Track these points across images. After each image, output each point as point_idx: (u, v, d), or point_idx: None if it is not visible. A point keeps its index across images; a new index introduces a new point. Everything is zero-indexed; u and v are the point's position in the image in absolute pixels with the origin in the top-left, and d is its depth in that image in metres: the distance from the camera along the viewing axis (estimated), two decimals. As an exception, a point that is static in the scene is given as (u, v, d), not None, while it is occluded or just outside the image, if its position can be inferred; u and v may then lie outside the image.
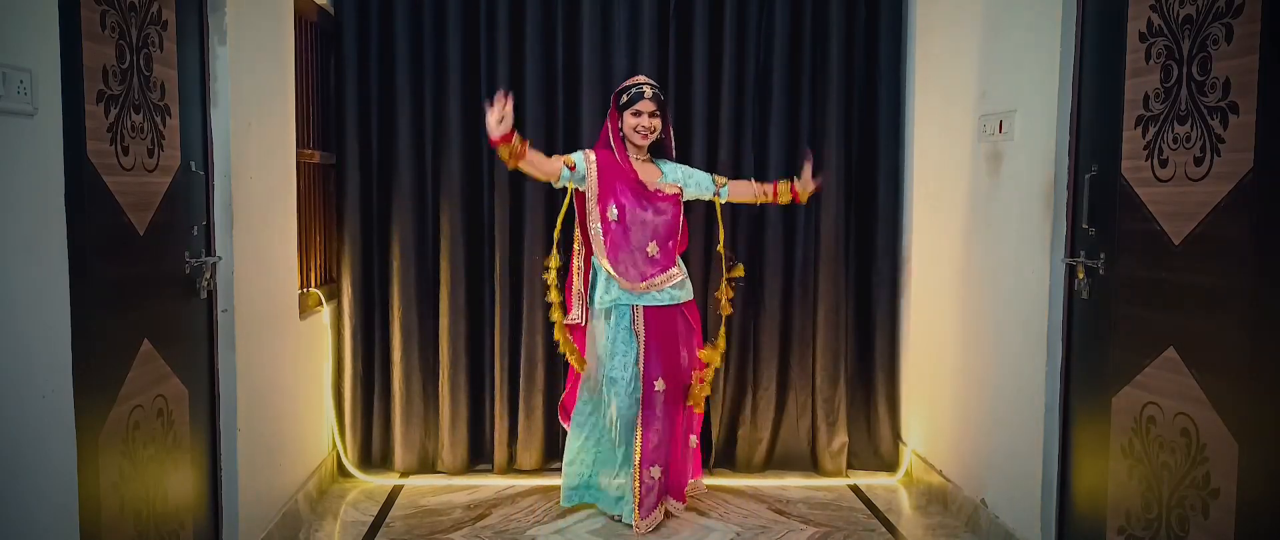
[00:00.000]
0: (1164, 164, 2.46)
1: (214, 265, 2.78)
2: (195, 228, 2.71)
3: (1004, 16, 3.32)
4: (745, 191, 3.64)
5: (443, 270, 4.09)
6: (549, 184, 3.58)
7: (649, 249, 3.45)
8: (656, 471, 3.50)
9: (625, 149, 3.49)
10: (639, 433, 3.47)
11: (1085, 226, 2.78)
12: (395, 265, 4.09)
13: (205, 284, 2.75)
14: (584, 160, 3.45)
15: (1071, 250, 2.88)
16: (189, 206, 2.68)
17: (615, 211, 3.42)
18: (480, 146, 4.10)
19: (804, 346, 4.24)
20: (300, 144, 3.66)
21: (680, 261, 3.56)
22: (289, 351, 3.52)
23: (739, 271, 3.66)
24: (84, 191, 2.13)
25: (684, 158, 4.15)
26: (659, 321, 3.47)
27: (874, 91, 4.20)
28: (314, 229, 3.96)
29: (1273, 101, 2.12)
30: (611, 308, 3.48)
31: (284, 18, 3.43)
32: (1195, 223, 2.35)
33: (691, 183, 3.57)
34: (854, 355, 4.30)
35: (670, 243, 3.49)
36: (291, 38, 3.52)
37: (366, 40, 4.04)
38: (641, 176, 3.47)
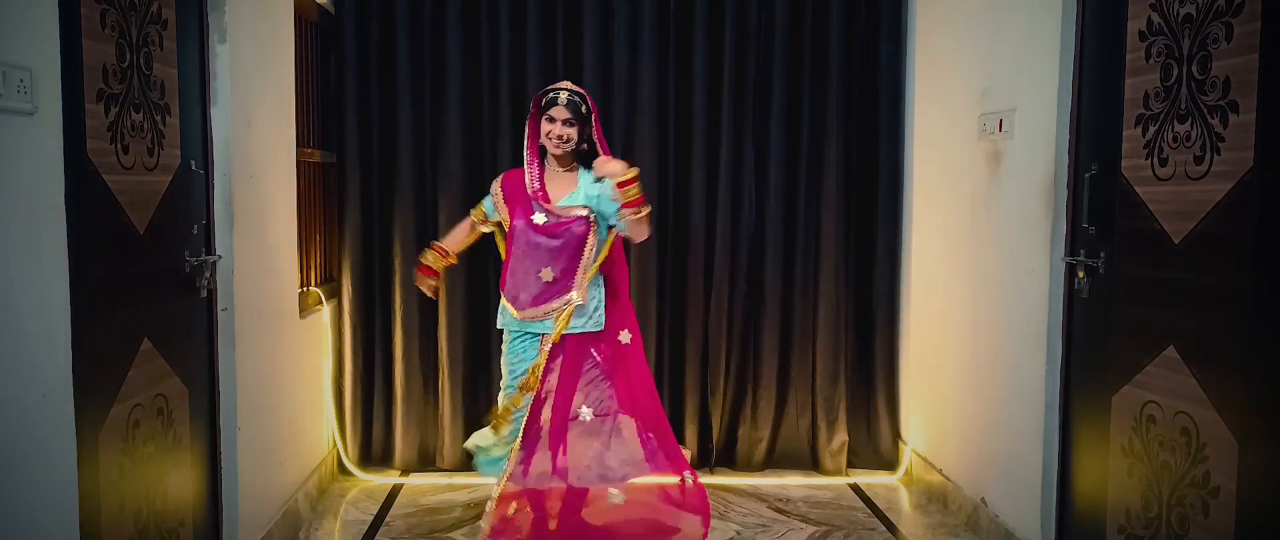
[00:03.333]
0: (1164, 163, 2.46)
1: (214, 264, 2.78)
2: (195, 226, 2.71)
3: (1004, 15, 3.32)
4: (632, 223, 3.10)
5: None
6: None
7: (541, 273, 3.10)
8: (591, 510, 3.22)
9: (542, 160, 3.19)
10: (520, 450, 3.10)
11: (1085, 225, 2.78)
12: (396, 263, 4.09)
13: (205, 283, 2.75)
14: (491, 199, 3.25)
15: (1071, 249, 2.88)
16: (189, 205, 2.68)
17: (511, 230, 3.16)
18: (480, 145, 4.10)
19: (804, 345, 4.24)
20: (300, 143, 3.66)
21: (592, 287, 3.15)
22: (289, 350, 3.52)
23: None
24: (84, 190, 2.13)
25: (685, 157, 4.16)
26: (573, 352, 3.13)
27: (874, 91, 4.20)
28: (314, 228, 3.96)
29: (1273, 100, 2.12)
30: (511, 331, 3.21)
31: (284, 16, 3.43)
32: (1195, 222, 2.35)
33: (606, 204, 3.13)
34: (854, 354, 4.30)
35: (571, 267, 3.10)
36: (292, 36, 3.52)
37: (367, 39, 4.04)
38: (550, 191, 3.15)
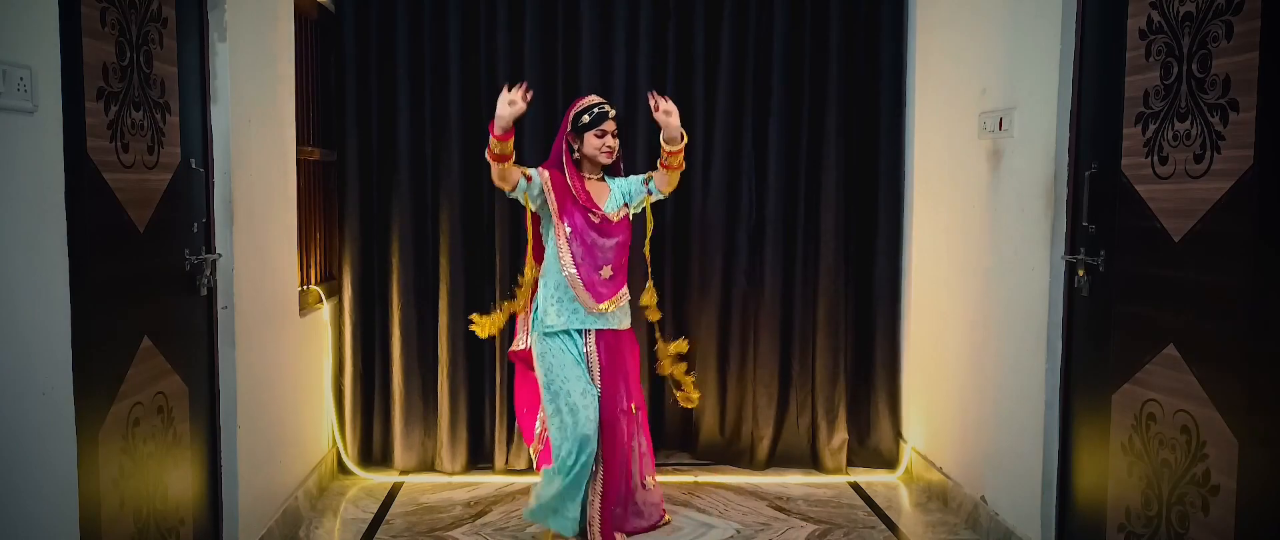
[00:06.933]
0: (1164, 161, 2.46)
1: (214, 262, 2.78)
2: (195, 225, 2.71)
3: (1004, 14, 3.32)
4: (661, 175, 3.35)
5: (442, 268, 4.09)
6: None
7: (603, 273, 3.31)
8: (651, 480, 3.54)
9: (579, 170, 3.35)
10: (601, 460, 3.32)
11: (1085, 224, 2.78)
12: (395, 262, 4.09)
13: (205, 281, 2.75)
14: (538, 175, 3.30)
15: (1072, 247, 2.88)
16: (189, 203, 2.68)
17: (569, 229, 3.29)
18: (480, 144, 4.09)
19: (804, 344, 4.24)
20: (300, 141, 3.66)
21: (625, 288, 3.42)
22: (289, 348, 3.52)
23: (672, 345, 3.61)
24: (84, 189, 2.13)
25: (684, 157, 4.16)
26: (613, 345, 3.36)
27: (874, 90, 4.20)
28: (314, 226, 3.96)
29: (1273, 99, 2.12)
30: (563, 331, 3.33)
31: (284, 15, 3.43)
32: (1195, 220, 2.35)
33: (632, 196, 3.39)
34: (854, 353, 4.30)
35: (621, 264, 3.37)
36: (292, 35, 3.52)
37: (366, 37, 4.04)
38: (594, 197, 3.34)
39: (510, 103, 3.11)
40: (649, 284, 3.51)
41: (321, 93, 4.03)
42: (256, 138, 3.10)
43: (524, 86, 3.15)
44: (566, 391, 3.27)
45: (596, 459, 3.30)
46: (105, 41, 2.22)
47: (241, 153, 2.95)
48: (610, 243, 3.33)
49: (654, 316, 3.57)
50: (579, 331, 3.33)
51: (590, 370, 3.33)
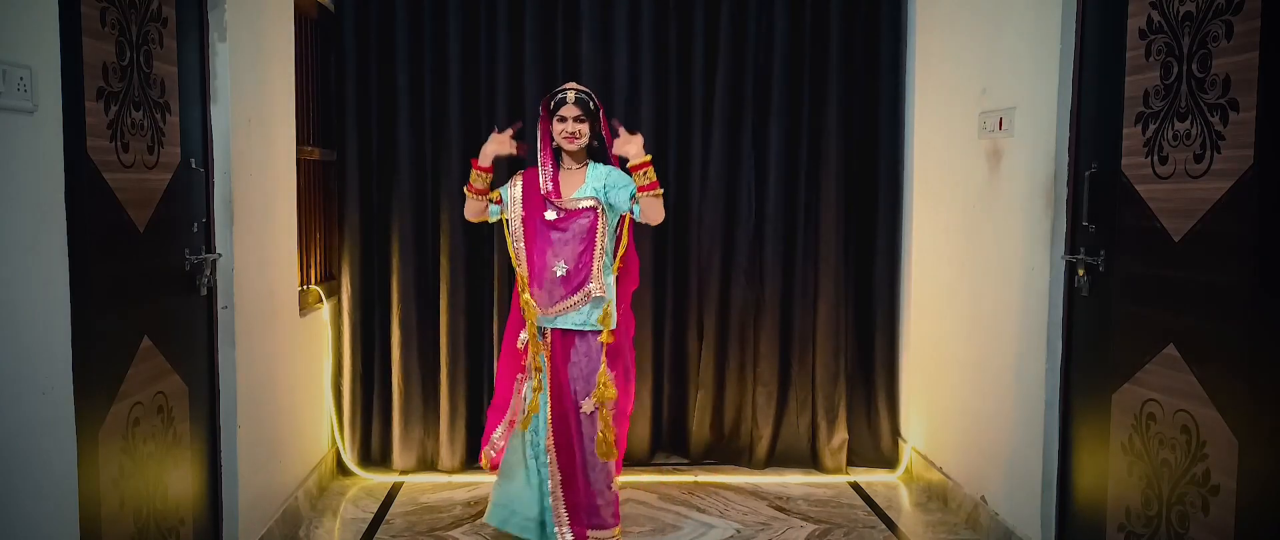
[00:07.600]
0: (1164, 161, 2.46)
1: (214, 262, 2.78)
2: (195, 224, 2.71)
3: (1004, 13, 3.32)
4: (650, 204, 3.14)
5: (442, 268, 4.09)
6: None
7: (555, 269, 3.16)
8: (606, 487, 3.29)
9: (556, 159, 3.25)
10: (553, 459, 3.24)
11: (1085, 223, 2.78)
12: (395, 262, 4.09)
13: (205, 281, 2.75)
14: (509, 190, 3.26)
15: (1072, 247, 2.88)
16: (189, 203, 2.68)
17: (524, 232, 3.22)
18: (479, 143, 4.07)
19: (804, 344, 4.24)
20: (300, 141, 3.66)
21: (606, 282, 3.20)
22: (289, 348, 3.52)
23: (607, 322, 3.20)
24: (84, 188, 2.13)
25: (684, 156, 4.16)
26: (564, 345, 3.22)
27: (874, 90, 4.20)
28: (314, 226, 3.96)
29: (1273, 99, 2.12)
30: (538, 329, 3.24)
31: (284, 14, 3.43)
32: (1195, 220, 2.35)
33: (610, 193, 3.19)
34: (854, 352, 4.30)
35: (584, 259, 3.17)
36: (292, 34, 3.52)
37: (366, 37, 4.04)
38: (563, 187, 3.21)
39: (499, 143, 3.18)
40: (607, 302, 3.18)
41: (321, 93, 4.03)
42: (256, 138, 3.10)
43: (517, 127, 3.20)
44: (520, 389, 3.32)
45: (550, 460, 3.23)
46: (105, 41, 2.22)
47: (241, 153, 2.95)
48: (565, 235, 3.18)
49: (605, 339, 3.18)
50: (543, 330, 3.25)
51: (547, 370, 3.24)
